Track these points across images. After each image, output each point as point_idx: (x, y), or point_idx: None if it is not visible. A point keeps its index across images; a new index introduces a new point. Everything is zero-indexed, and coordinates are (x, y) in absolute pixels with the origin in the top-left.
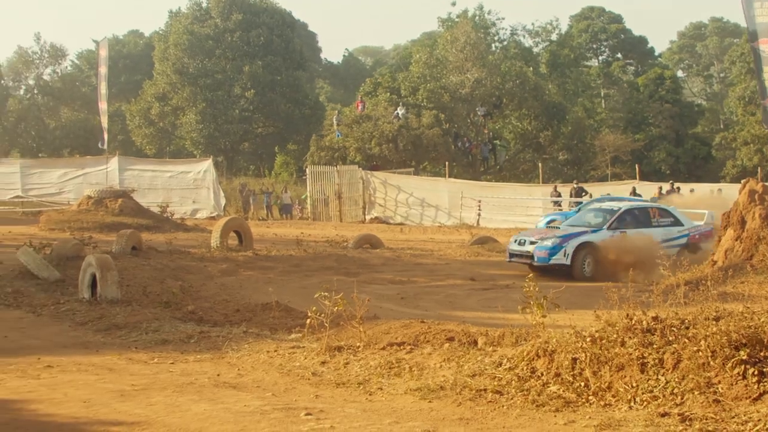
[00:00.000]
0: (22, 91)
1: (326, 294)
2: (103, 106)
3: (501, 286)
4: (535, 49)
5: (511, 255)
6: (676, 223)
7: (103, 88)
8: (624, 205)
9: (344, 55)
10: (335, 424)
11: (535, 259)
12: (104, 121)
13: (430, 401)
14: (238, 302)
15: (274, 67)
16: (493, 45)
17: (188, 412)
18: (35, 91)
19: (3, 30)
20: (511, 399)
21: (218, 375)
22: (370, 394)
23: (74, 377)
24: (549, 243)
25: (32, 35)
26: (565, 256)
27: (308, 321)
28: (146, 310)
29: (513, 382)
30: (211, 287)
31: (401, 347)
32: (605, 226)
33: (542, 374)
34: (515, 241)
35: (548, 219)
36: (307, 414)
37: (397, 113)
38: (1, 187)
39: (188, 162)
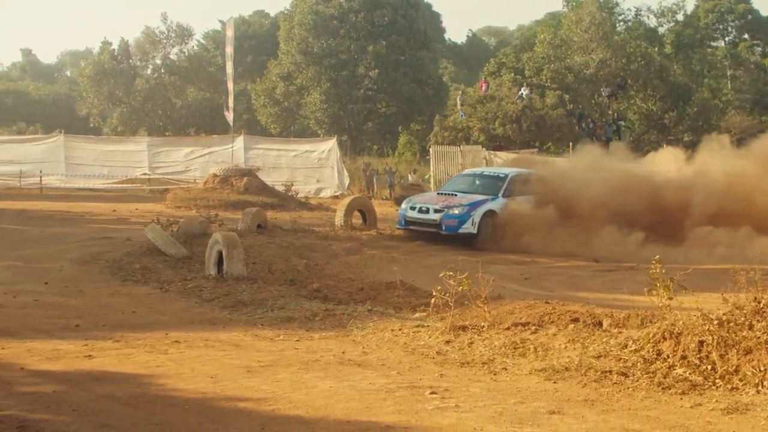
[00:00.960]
0: (149, 71)
1: (451, 273)
2: (229, 85)
3: (625, 267)
4: (660, 30)
5: (408, 222)
6: None
7: (229, 68)
8: (510, 172)
9: (468, 36)
10: (460, 403)
11: (443, 228)
12: (230, 101)
13: (554, 382)
14: (362, 281)
15: (398, 47)
16: (617, 25)
17: (314, 389)
18: (162, 71)
19: (131, 10)
20: (637, 381)
21: (343, 353)
22: (494, 374)
23: (201, 353)
24: (457, 211)
25: (159, 15)
26: (473, 225)
27: (433, 300)
28: (272, 288)
29: (638, 364)
30: (335, 265)
31: (526, 327)
32: (500, 194)
33: (668, 357)
34: (412, 207)
35: None
36: (431, 393)
37: (521, 93)
38: (129, 165)
39: (313, 141)
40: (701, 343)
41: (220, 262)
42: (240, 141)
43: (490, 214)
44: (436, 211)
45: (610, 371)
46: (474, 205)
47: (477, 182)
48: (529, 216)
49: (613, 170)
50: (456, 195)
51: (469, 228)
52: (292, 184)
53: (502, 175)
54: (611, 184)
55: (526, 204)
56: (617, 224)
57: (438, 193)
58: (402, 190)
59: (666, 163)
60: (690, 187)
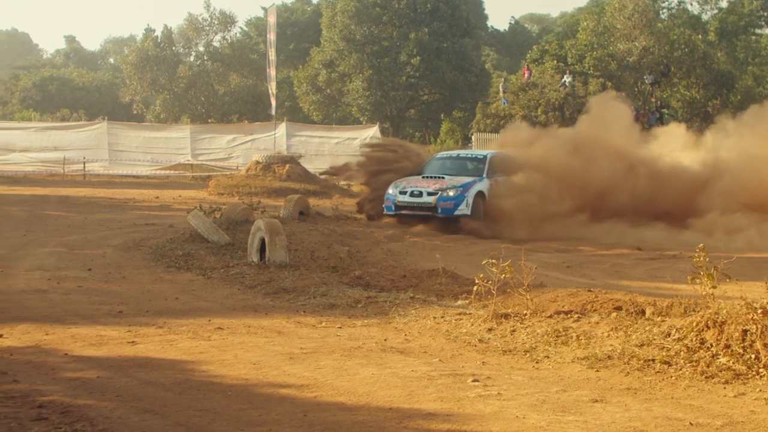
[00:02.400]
0: (192, 58)
1: (493, 261)
2: (272, 72)
3: (668, 256)
4: (704, 17)
5: (399, 207)
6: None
7: (272, 55)
8: (488, 153)
9: (510, 23)
10: (502, 391)
11: (439, 210)
12: (273, 88)
13: (597, 370)
14: (404, 268)
15: (441, 34)
16: (661, 12)
17: (356, 376)
18: (205, 58)
19: None
20: (680, 370)
21: (385, 340)
22: (536, 362)
23: (244, 339)
24: (452, 193)
25: (202, 2)
26: (467, 206)
27: (475, 288)
28: (314, 275)
29: (682, 352)
30: (377, 253)
31: (568, 315)
32: (484, 175)
33: (711, 346)
34: (402, 192)
35: None
36: (474, 380)
37: (564, 81)
38: (172, 152)
39: (355, 128)
40: (745, 332)
41: (262, 249)
42: (282, 128)
43: (480, 195)
44: (429, 194)
45: (653, 360)
46: (466, 186)
47: (457, 164)
48: (513, 196)
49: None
50: (444, 177)
51: (463, 209)
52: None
53: (481, 157)
54: (594, 166)
55: (511, 184)
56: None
57: (423, 177)
58: None
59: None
60: (700, 173)
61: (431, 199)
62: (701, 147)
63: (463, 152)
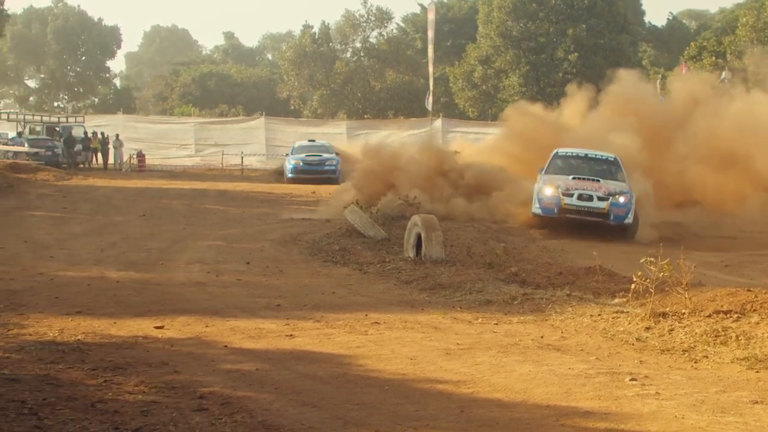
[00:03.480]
0: (349, 54)
1: (652, 259)
2: (429, 68)
3: None
4: None
5: (564, 210)
6: None
7: (430, 51)
8: (612, 154)
9: (668, 19)
10: (660, 390)
11: (612, 217)
12: (431, 83)
13: (757, 371)
14: (560, 265)
15: (598, 30)
16: None
17: (513, 373)
18: (362, 54)
19: None
20: None
21: (542, 337)
22: (695, 362)
23: (400, 334)
24: (623, 200)
25: None
26: (632, 214)
27: (633, 286)
28: (470, 271)
29: None
30: (533, 250)
31: (727, 315)
32: (626, 180)
33: None
34: (567, 194)
35: None
36: (631, 379)
37: (723, 78)
38: None
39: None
40: None
41: (418, 244)
42: (438, 124)
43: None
44: (600, 198)
45: None
46: (629, 193)
47: (588, 165)
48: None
49: None
50: (599, 180)
51: (630, 218)
52: None
53: (612, 159)
54: None
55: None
56: None
57: (573, 178)
58: None
59: None
60: None
61: (603, 204)
62: None
63: (586, 151)
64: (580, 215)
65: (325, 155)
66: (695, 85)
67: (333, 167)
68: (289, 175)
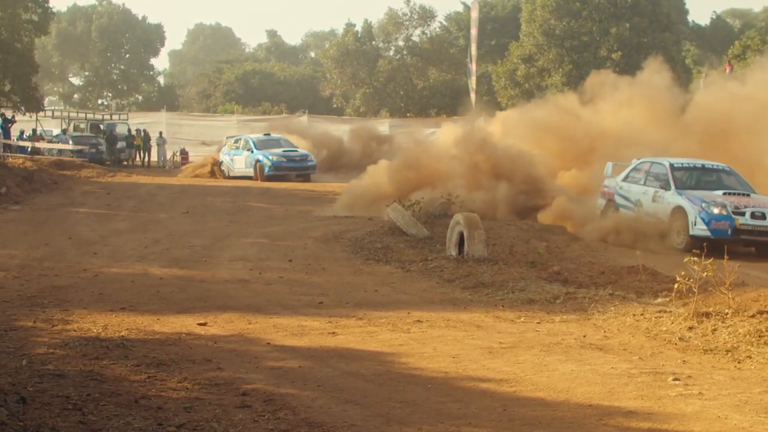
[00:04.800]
0: (391, 52)
1: (695, 259)
2: (473, 67)
3: None
4: None
5: (739, 231)
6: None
7: (473, 50)
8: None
9: (712, 18)
10: (703, 390)
11: None
12: (473, 82)
13: None
14: (603, 264)
15: (641, 29)
16: None
17: (555, 372)
18: (404, 52)
19: None
20: None
21: (584, 336)
22: (738, 362)
23: (443, 332)
24: None
25: None
26: None
27: (676, 285)
28: (512, 270)
29: None
30: (575, 248)
31: None
32: (746, 187)
33: None
34: (738, 213)
35: None
36: (674, 379)
37: None
38: None
39: None
40: None
41: (461, 242)
42: (480, 123)
43: None
44: None
45: None
46: None
47: (712, 177)
48: None
49: None
50: (750, 195)
51: None
52: None
53: (728, 169)
54: None
55: None
56: None
57: (725, 193)
58: None
59: None
60: None
61: None
62: None
63: (701, 162)
64: (756, 236)
65: (301, 150)
66: None
67: (313, 162)
68: (269, 173)
